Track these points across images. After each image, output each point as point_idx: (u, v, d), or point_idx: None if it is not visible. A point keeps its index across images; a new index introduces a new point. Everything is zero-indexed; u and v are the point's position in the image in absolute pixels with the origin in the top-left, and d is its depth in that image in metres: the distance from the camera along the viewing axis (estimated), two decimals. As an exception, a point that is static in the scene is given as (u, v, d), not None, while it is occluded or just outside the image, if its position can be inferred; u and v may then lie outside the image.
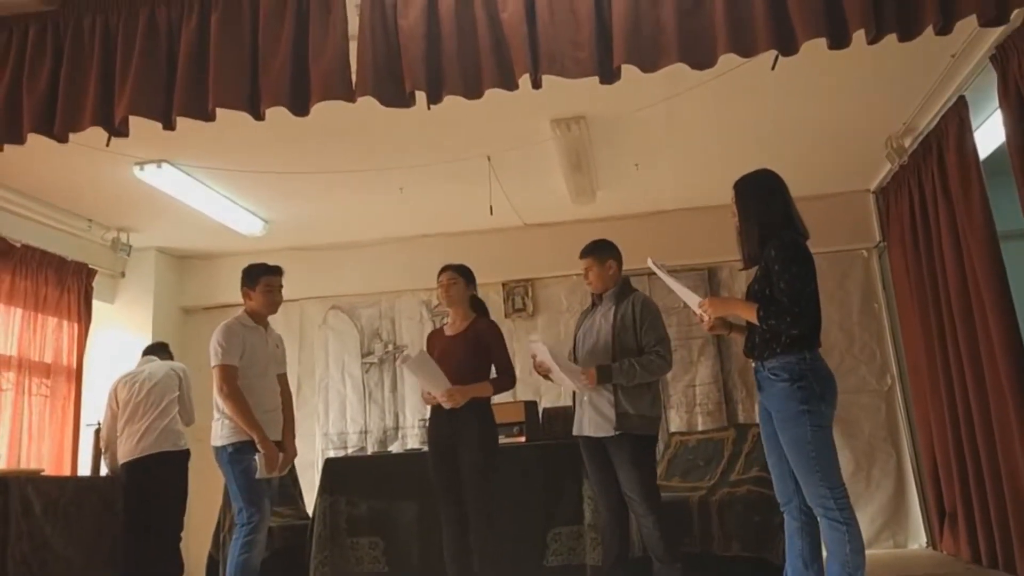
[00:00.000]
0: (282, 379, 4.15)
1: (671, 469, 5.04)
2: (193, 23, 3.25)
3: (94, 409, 5.42)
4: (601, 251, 3.86)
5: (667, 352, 3.69)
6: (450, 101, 3.18)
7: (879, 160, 5.59)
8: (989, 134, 4.55)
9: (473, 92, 3.14)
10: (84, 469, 5.42)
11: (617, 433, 3.60)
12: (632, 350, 3.68)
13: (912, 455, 5.89)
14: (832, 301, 6.18)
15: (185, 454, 4.66)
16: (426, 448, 4.15)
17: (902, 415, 5.99)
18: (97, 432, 4.93)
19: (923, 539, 5.75)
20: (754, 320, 2.87)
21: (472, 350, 3.95)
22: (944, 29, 2.95)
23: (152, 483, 4.50)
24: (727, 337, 3.27)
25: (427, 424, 4.06)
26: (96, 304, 6.08)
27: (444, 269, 4.05)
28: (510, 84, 3.13)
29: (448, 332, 4.03)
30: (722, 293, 6.30)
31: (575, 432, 3.81)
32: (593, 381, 3.62)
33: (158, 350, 5.03)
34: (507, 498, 4.05)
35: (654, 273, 3.25)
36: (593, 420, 3.69)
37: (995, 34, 3.86)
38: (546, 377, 3.87)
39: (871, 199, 6.24)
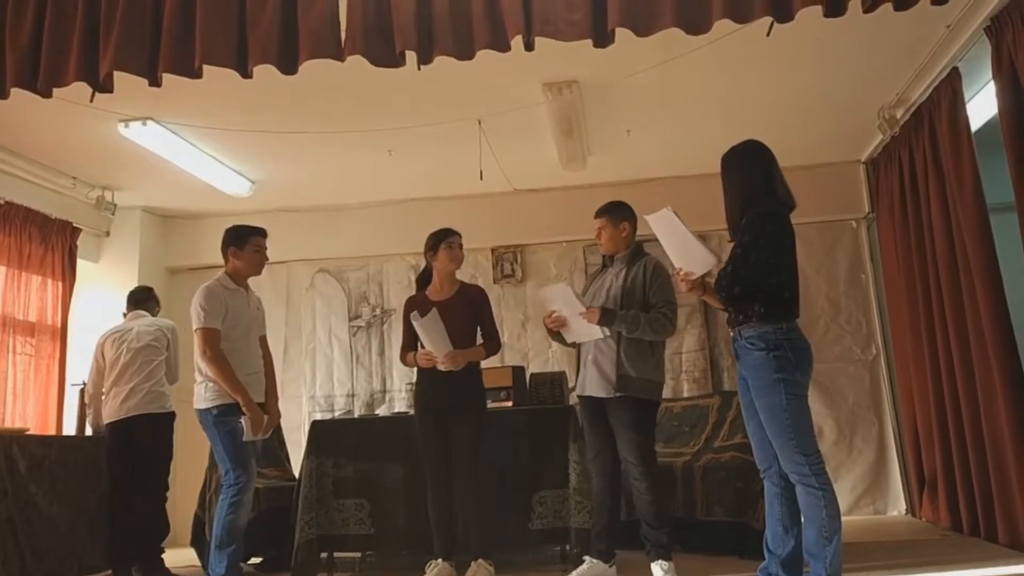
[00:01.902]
0: (263, 341, 4.13)
1: (656, 435, 5.07)
2: (179, -23, 3.18)
3: (79, 369, 5.39)
4: (615, 212, 3.83)
5: (673, 315, 3.69)
6: (441, 62, 3.14)
7: (870, 131, 5.58)
8: (981, 106, 4.54)
9: (465, 53, 3.11)
10: (69, 429, 5.41)
11: (618, 395, 3.61)
12: (638, 310, 3.67)
13: (894, 424, 5.96)
14: (820, 271, 6.22)
15: (170, 416, 4.65)
16: (412, 411, 4.16)
17: (885, 385, 6.05)
18: (82, 392, 4.91)
19: (902, 506, 5.84)
20: (722, 302, 2.99)
21: (466, 314, 3.95)
22: (940, -1, 2.94)
23: (136, 444, 4.49)
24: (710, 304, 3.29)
25: (416, 387, 4.05)
26: (80, 263, 6.03)
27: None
28: (502, 45, 3.09)
29: (435, 298, 4.01)
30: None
31: (578, 392, 3.80)
32: (595, 318, 3.58)
33: (145, 300, 4.97)
34: (493, 462, 4.08)
35: (645, 240, 3.21)
36: (596, 380, 3.69)
37: (990, 5, 3.84)
38: (556, 338, 3.84)
39: (861, 170, 6.24)
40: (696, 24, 3.01)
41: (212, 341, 3.79)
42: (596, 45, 3.07)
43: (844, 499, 5.69)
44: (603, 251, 3.90)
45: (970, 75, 4.38)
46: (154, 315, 4.96)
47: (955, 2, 3.14)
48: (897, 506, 5.88)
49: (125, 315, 4.94)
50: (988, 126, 4.56)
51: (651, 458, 3.66)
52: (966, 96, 4.38)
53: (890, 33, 4.17)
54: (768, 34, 3.23)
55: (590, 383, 3.72)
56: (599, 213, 3.86)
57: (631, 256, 3.81)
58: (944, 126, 4.51)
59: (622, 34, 3.04)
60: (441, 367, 3.82)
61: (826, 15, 2.94)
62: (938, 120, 4.61)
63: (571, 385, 5.65)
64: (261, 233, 4.07)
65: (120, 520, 4.48)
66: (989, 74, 4.05)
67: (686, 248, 3.09)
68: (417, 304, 3.98)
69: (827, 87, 4.95)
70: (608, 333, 3.62)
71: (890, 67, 4.73)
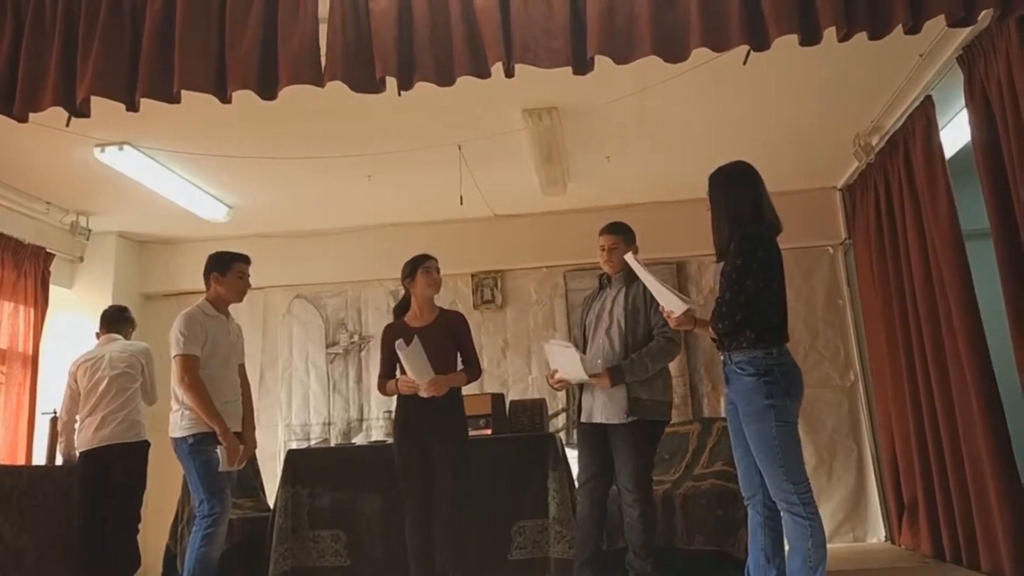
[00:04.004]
0: (241, 369, 4.08)
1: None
2: (158, 1, 3.17)
3: (50, 397, 5.29)
4: (628, 232, 3.86)
5: (673, 333, 3.69)
6: (421, 88, 3.14)
7: (846, 158, 5.64)
8: (955, 133, 4.61)
9: (445, 79, 3.11)
10: (39, 458, 5.29)
11: (631, 420, 3.60)
12: (643, 331, 3.70)
13: (873, 450, 5.98)
14: (797, 297, 6.25)
15: (144, 445, 4.57)
16: (391, 440, 4.11)
17: (864, 411, 6.07)
18: (53, 420, 4.81)
19: (882, 533, 5.84)
20: (713, 334, 2.96)
21: (447, 340, 3.93)
22: (913, 29, 2.99)
23: (110, 474, 4.40)
24: (694, 332, 3.31)
25: (396, 414, 4.00)
26: (53, 289, 5.93)
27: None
28: (483, 72, 3.10)
29: (414, 324, 3.98)
30: (690, 287, 6.34)
31: (585, 419, 3.75)
32: (607, 383, 3.62)
33: (119, 321, 4.88)
34: (472, 491, 4.03)
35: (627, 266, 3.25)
36: (606, 406, 3.66)
37: (962, 35, 3.91)
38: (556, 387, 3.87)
39: (838, 196, 6.31)
40: (674, 52, 3.04)
41: (190, 368, 3.73)
42: (576, 72, 3.08)
43: (824, 526, 5.67)
44: (609, 270, 3.87)
45: (943, 103, 4.45)
46: (128, 337, 4.89)
47: (927, 32, 3.18)
48: (877, 533, 5.87)
49: (98, 335, 4.86)
50: (962, 153, 4.63)
51: (648, 486, 3.66)
52: (940, 124, 4.45)
53: (865, 62, 4.23)
54: (745, 62, 3.26)
55: (599, 410, 3.69)
56: (613, 231, 3.84)
57: (628, 276, 3.80)
58: (919, 153, 4.57)
59: (601, 62, 3.05)
60: (423, 394, 3.78)
61: (802, 44, 2.98)
62: (913, 147, 4.67)
63: (555, 411, 5.65)
64: (245, 260, 4.04)
65: (90, 552, 4.37)
66: (962, 102, 4.12)
67: (658, 291, 3.15)
68: (396, 331, 3.95)
69: (803, 115, 5.01)
70: (598, 370, 3.64)
71: (865, 95, 4.79)
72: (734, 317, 2.84)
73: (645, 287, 3.72)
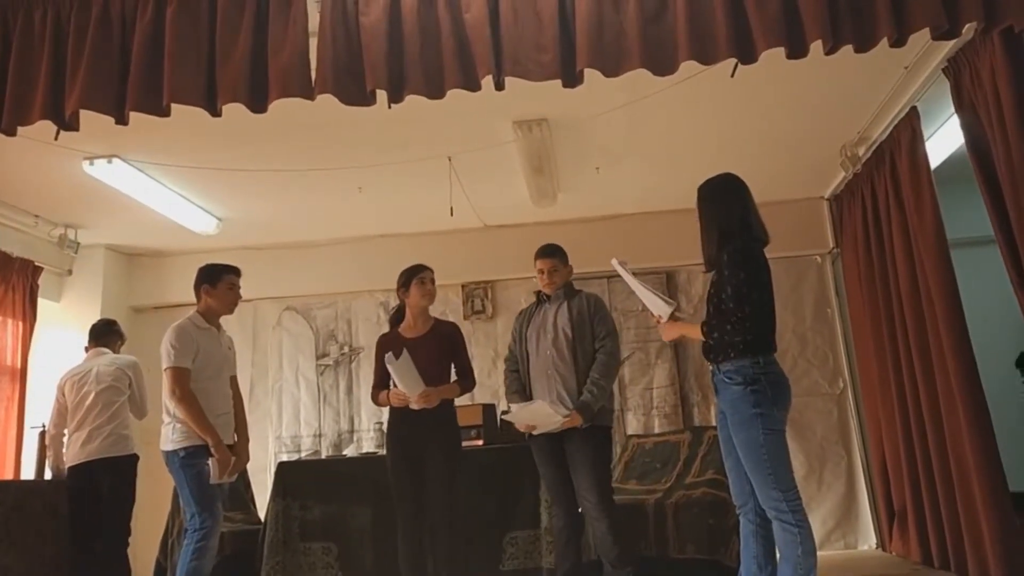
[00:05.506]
0: (233, 382, 4.07)
1: (628, 472, 5.06)
2: (148, 15, 3.17)
3: (38, 411, 5.25)
4: (563, 254, 3.96)
5: (613, 345, 3.79)
6: (411, 101, 3.15)
7: (833, 168, 5.69)
8: (940, 144, 4.66)
9: (435, 92, 3.12)
10: (28, 473, 5.25)
11: (585, 425, 3.62)
12: (588, 342, 3.78)
13: (863, 458, 6.00)
14: (786, 306, 6.28)
15: (133, 459, 4.54)
16: (382, 452, 4.10)
17: (853, 418, 6.10)
18: (42, 434, 4.78)
19: (873, 540, 5.86)
20: (702, 338, 2.96)
21: (441, 352, 3.93)
22: (898, 41, 3.02)
23: (98, 488, 4.37)
24: (683, 340, 3.35)
25: (389, 426, 3.99)
26: (42, 303, 5.90)
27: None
28: (473, 85, 3.11)
29: (408, 335, 3.98)
30: (679, 297, 6.36)
31: (536, 431, 3.78)
32: (578, 422, 3.63)
33: (107, 335, 4.86)
34: (464, 502, 4.03)
35: (614, 276, 3.27)
36: (560, 413, 3.67)
37: (946, 47, 3.96)
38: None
39: (825, 206, 6.35)
40: (662, 65, 3.06)
41: (182, 380, 3.72)
42: (565, 85, 3.10)
43: (815, 534, 5.67)
44: (550, 290, 3.92)
45: (928, 114, 4.50)
46: (116, 350, 4.86)
47: (912, 44, 3.22)
48: (867, 540, 5.89)
49: (86, 349, 4.84)
50: (948, 163, 4.68)
51: (610, 495, 3.67)
52: (925, 134, 4.49)
53: (851, 74, 4.28)
54: (732, 75, 3.29)
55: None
56: (549, 253, 3.92)
57: (567, 292, 3.92)
58: (904, 163, 4.61)
59: (590, 74, 3.08)
60: (414, 406, 3.77)
61: (788, 57, 3.01)
62: (899, 157, 4.71)
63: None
64: (235, 271, 4.03)
65: (80, 566, 4.33)
66: (947, 112, 4.17)
67: (644, 296, 3.18)
68: (390, 341, 3.95)
69: (791, 126, 5.05)
70: (568, 410, 3.67)
71: (851, 106, 4.84)
72: (746, 336, 2.84)
73: (588, 299, 3.87)
